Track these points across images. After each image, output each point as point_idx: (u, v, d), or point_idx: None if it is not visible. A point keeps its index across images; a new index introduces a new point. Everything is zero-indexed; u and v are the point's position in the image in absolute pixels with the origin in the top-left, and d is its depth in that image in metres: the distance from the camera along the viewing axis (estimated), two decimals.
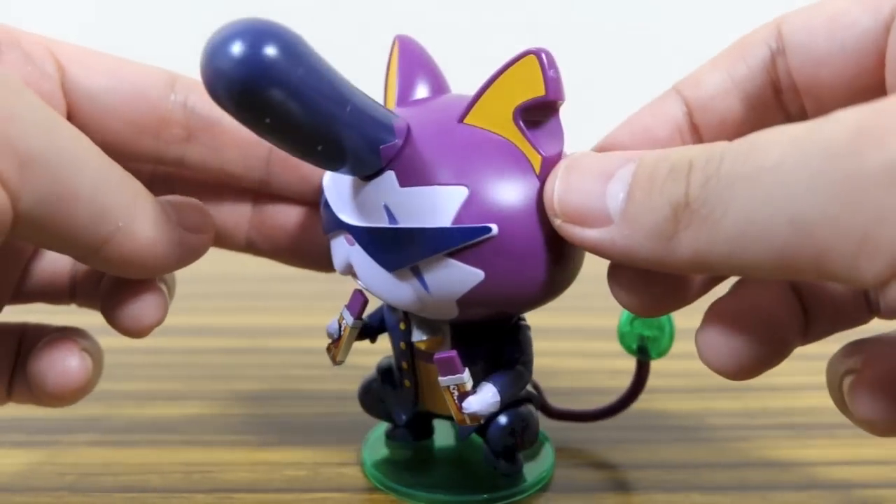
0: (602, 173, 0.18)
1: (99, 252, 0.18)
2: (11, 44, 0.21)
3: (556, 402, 0.28)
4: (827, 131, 0.14)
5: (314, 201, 0.24)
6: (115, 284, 0.21)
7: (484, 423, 0.23)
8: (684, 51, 0.36)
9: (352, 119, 0.18)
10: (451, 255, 0.19)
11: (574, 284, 0.21)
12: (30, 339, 0.21)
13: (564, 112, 0.20)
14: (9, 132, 0.16)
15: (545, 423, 0.26)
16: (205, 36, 0.16)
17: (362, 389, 0.26)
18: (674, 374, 0.31)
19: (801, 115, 0.20)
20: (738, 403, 0.30)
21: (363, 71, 0.25)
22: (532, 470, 0.25)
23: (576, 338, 0.37)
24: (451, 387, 0.22)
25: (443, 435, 0.27)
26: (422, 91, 0.23)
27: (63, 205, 0.17)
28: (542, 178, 0.19)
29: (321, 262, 0.24)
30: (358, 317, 0.24)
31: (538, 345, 0.24)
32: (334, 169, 0.20)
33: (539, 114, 0.20)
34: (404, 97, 0.23)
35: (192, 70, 0.19)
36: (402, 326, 0.23)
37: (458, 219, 0.19)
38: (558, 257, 0.20)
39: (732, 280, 0.20)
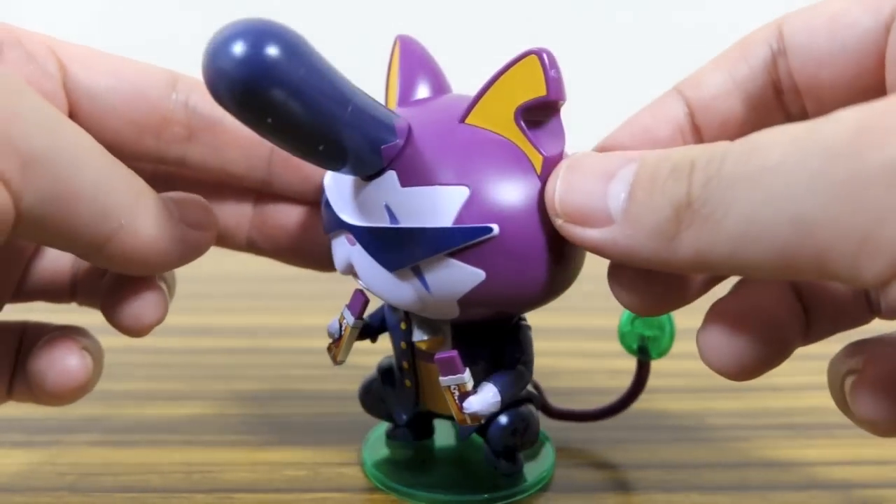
0: (603, 173, 0.18)
1: (101, 250, 0.18)
2: (13, 43, 0.21)
3: (556, 402, 0.28)
4: (827, 131, 0.14)
5: (315, 201, 0.24)
6: (116, 283, 0.21)
7: (484, 423, 0.23)
8: (685, 51, 0.36)
9: (353, 119, 0.18)
10: (452, 254, 0.19)
11: (574, 284, 0.21)
12: (30, 338, 0.21)
13: (565, 112, 0.20)
14: (11, 132, 0.16)
15: (545, 423, 0.26)
16: (206, 36, 0.16)
17: (363, 389, 0.26)
18: (674, 374, 0.31)
19: (802, 116, 0.20)
20: (739, 403, 0.30)
21: (364, 71, 0.25)
22: (532, 470, 0.25)
23: (576, 338, 0.37)
24: (452, 387, 0.22)
25: (443, 435, 0.27)
26: (423, 91, 0.23)
27: (65, 204, 0.17)
28: (544, 179, 0.19)
29: (322, 261, 0.24)
30: (359, 316, 0.24)
31: (538, 345, 0.24)
32: (335, 169, 0.20)
33: (540, 114, 0.20)
34: (405, 97, 0.23)
35: (193, 69, 0.19)
36: (402, 326, 0.23)
37: (459, 219, 0.19)
38: (559, 257, 0.20)
39: (733, 280, 0.20)
